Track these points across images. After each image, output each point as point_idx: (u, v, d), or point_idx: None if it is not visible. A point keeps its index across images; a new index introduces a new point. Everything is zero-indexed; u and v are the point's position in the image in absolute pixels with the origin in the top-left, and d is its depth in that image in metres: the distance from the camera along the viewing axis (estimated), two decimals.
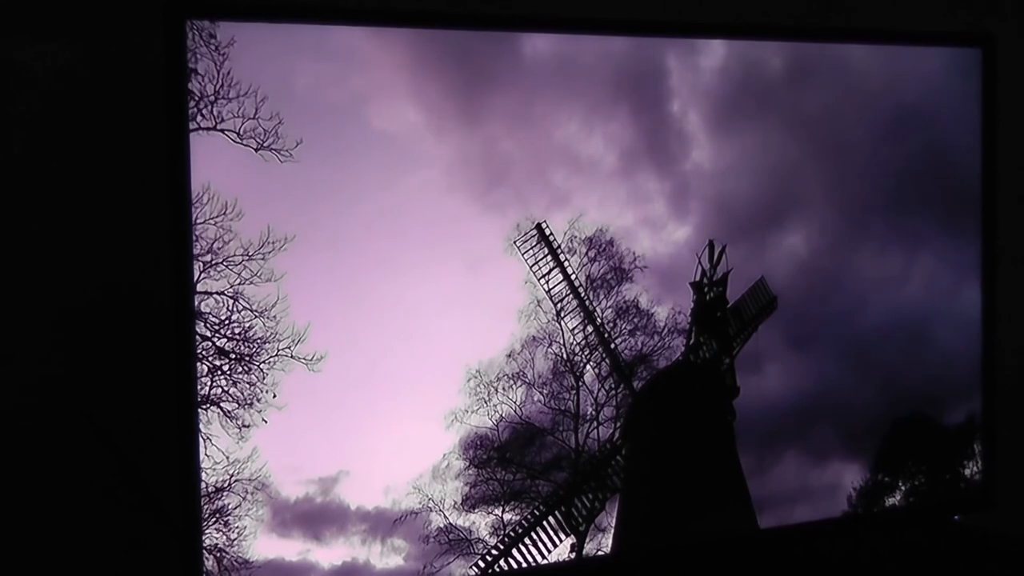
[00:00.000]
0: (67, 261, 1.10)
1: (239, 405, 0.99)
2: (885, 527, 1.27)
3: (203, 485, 0.98)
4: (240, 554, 1.01)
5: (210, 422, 0.98)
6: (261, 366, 0.99)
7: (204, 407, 0.97)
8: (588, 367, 1.16)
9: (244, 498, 1.01)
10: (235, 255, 0.98)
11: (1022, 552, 1.30)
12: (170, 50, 0.92)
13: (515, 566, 1.13)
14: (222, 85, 0.94)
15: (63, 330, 1.10)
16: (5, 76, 1.07)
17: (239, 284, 0.99)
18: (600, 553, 1.16)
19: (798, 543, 1.25)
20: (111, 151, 1.11)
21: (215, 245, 0.96)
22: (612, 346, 1.16)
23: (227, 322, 0.98)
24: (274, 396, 1.00)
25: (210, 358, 0.97)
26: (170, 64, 0.93)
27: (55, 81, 1.09)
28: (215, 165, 0.94)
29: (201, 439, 0.97)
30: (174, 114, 0.93)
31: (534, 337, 1.12)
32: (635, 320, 1.16)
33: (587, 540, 1.16)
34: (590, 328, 1.16)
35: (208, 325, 0.97)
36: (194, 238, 0.96)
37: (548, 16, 1.10)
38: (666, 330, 1.16)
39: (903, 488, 1.27)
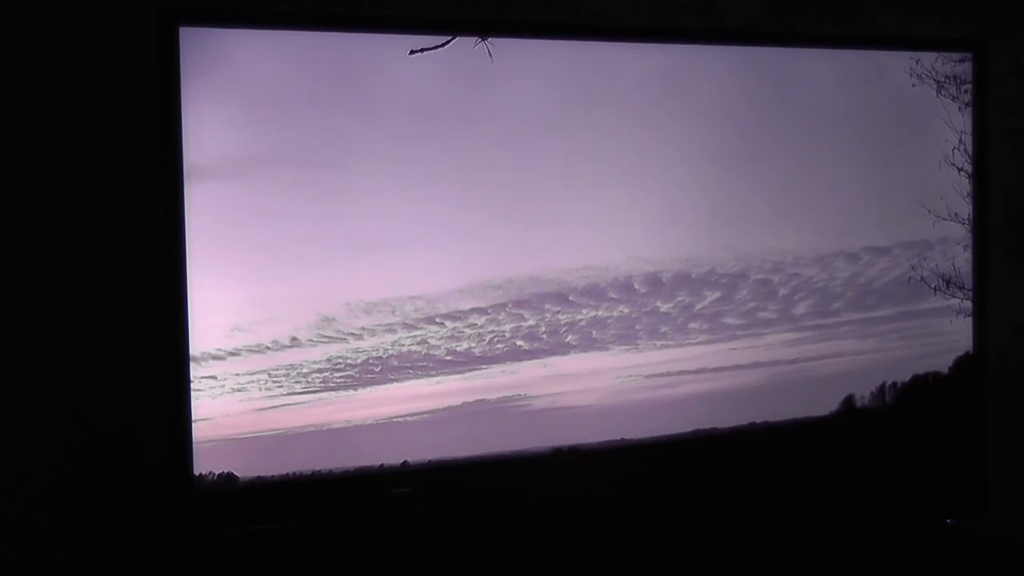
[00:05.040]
0: (62, 262, 1.12)
1: None
2: (877, 531, 1.27)
3: None
4: None
5: None
6: None
7: None
8: None
9: None
10: None
11: (1015, 557, 1.30)
12: (163, 57, 0.93)
13: None
14: None
15: (57, 329, 1.11)
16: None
17: None
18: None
19: (787, 546, 1.26)
20: (105, 155, 1.12)
21: None
22: None
23: None
24: None
25: None
26: (164, 72, 0.94)
27: (48, 87, 1.10)
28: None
29: None
30: (168, 116, 0.94)
31: None
32: None
33: None
34: None
35: None
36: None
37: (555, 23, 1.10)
38: None
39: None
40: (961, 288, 1.30)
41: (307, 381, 1.01)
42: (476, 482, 1.07)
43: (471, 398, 1.07)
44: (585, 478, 1.11)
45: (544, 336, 1.10)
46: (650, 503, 1.15)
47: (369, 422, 1.03)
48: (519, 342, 1.09)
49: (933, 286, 1.29)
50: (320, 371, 1.01)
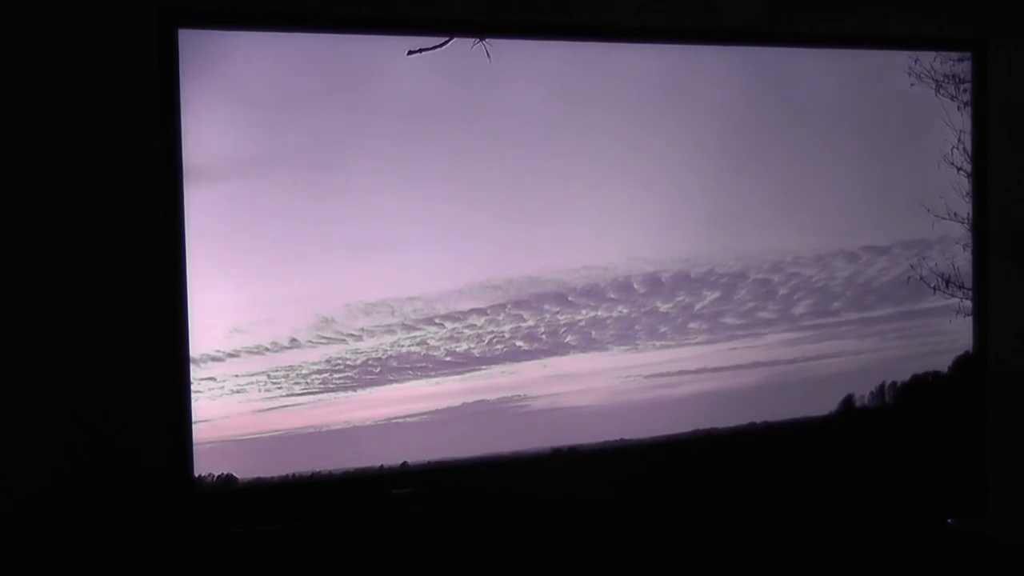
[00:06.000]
0: (62, 262, 1.12)
1: None
2: (877, 531, 1.27)
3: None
4: None
5: None
6: None
7: None
8: None
9: None
10: None
11: (1015, 557, 1.30)
12: (163, 58, 0.94)
13: None
14: None
15: (57, 329, 1.12)
16: None
17: None
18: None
19: (787, 546, 1.26)
20: (105, 155, 1.12)
21: None
22: None
23: None
24: None
25: None
26: (163, 73, 0.94)
27: (48, 87, 1.11)
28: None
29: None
30: (168, 117, 0.94)
31: None
32: None
33: None
34: None
35: None
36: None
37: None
38: None
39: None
40: (961, 287, 1.30)
41: (306, 382, 1.01)
42: (476, 483, 1.07)
43: (470, 399, 1.07)
44: (585, 479, 1.11)
45: (543, 336, 1.10)
46: (650, 504, 1.15)
47: (368, 423, 1.03)
48: (518, 343, 1.09)
49: (932, 285, 1.29)
50: (319, 372, 1.01)
